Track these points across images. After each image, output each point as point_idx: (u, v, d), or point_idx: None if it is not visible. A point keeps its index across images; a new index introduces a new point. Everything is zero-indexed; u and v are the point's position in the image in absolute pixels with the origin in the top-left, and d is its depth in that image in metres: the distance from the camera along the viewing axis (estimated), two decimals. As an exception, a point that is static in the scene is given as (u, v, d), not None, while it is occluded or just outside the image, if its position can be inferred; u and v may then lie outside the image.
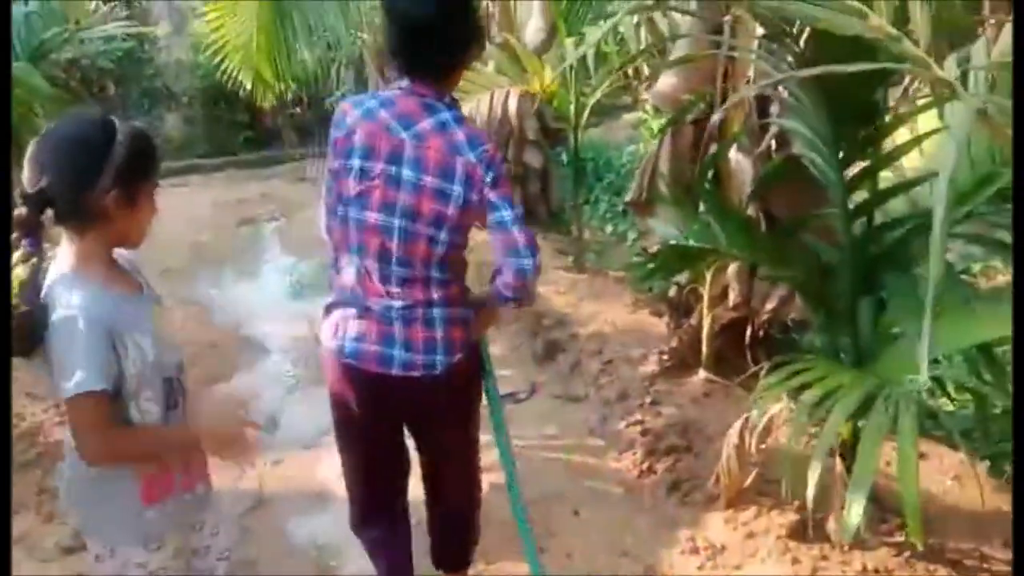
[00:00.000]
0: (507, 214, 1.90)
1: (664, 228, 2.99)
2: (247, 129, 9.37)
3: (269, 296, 5.29)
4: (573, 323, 4.28)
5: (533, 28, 5.11)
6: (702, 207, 2.94)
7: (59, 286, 1.56)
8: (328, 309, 2.08)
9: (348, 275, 2.00)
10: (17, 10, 4.52)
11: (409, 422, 2.23)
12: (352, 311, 2.01)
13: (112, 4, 5.75)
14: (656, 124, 7.71)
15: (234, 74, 5.86)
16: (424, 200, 1.87)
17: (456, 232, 1.94)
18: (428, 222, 1.89)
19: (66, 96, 4.91)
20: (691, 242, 2.73)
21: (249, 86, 5.86)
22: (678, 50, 3.34)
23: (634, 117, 8.29)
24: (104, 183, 1.53)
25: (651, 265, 2.73)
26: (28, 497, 3.06)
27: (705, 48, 3.00)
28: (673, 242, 2.84)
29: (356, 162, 1.88)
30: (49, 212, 1.54)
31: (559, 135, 5.88)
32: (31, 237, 1.55)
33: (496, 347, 4.47)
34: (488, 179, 1.87)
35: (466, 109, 4.82)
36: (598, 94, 4.55)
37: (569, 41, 4.22)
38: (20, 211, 1.54)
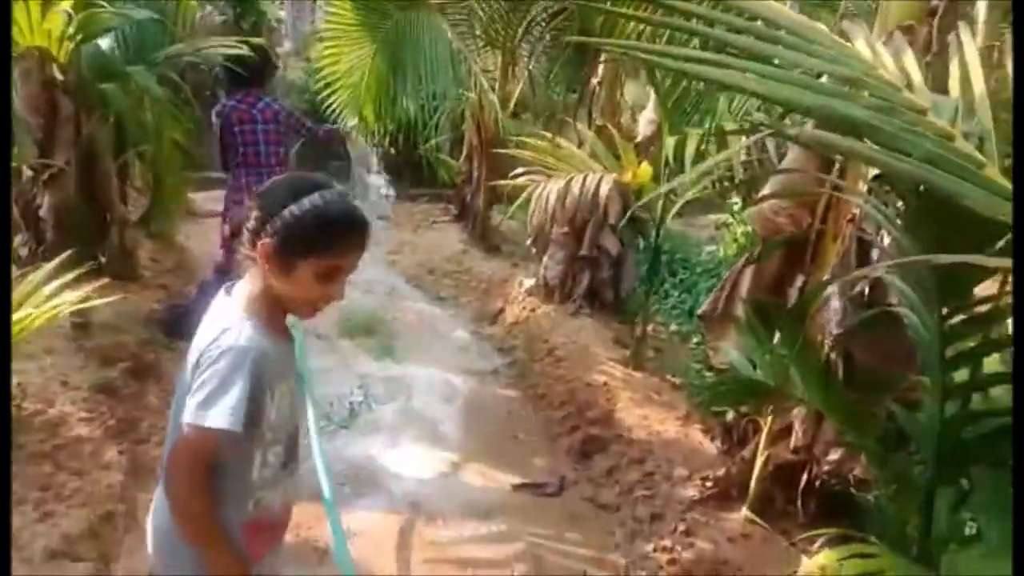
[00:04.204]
0: None
1: (735, 354, 2.80)
2: (338, 159, 9.52)
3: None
4: (618, 424, 4.07)
5: (646, 119, 5.06)
6: (777, 338, 2.75)
7: (235, 312, 1.57)
8: None
9: None
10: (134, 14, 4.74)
11: None
12: None
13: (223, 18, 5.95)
14: (740, 230, 7.52)
15: (339, 110, 5.99)
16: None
17: None
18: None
19: (174, 99, 5.10)
20: (762, 377, 2.54)
21: (350, 123, 5.96)
22: (782, 172, 3.20)
23: (718, 217, 8.11)
24: (268, 231, 1.52)
25: (719, 389, 2.54)
26: (29, 492, 2.91)
27: (811, 180, 2.84)
28: (742, 373, 2.65)
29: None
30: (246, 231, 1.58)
31: (640, 223, 5.77)
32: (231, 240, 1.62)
33: (532, 432, 4.33)
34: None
35: (557, 185, 4.76)
36: (689, 195, 4.42)
37: (670, 140, 4.11)
38: (248, 216, 1.57)
